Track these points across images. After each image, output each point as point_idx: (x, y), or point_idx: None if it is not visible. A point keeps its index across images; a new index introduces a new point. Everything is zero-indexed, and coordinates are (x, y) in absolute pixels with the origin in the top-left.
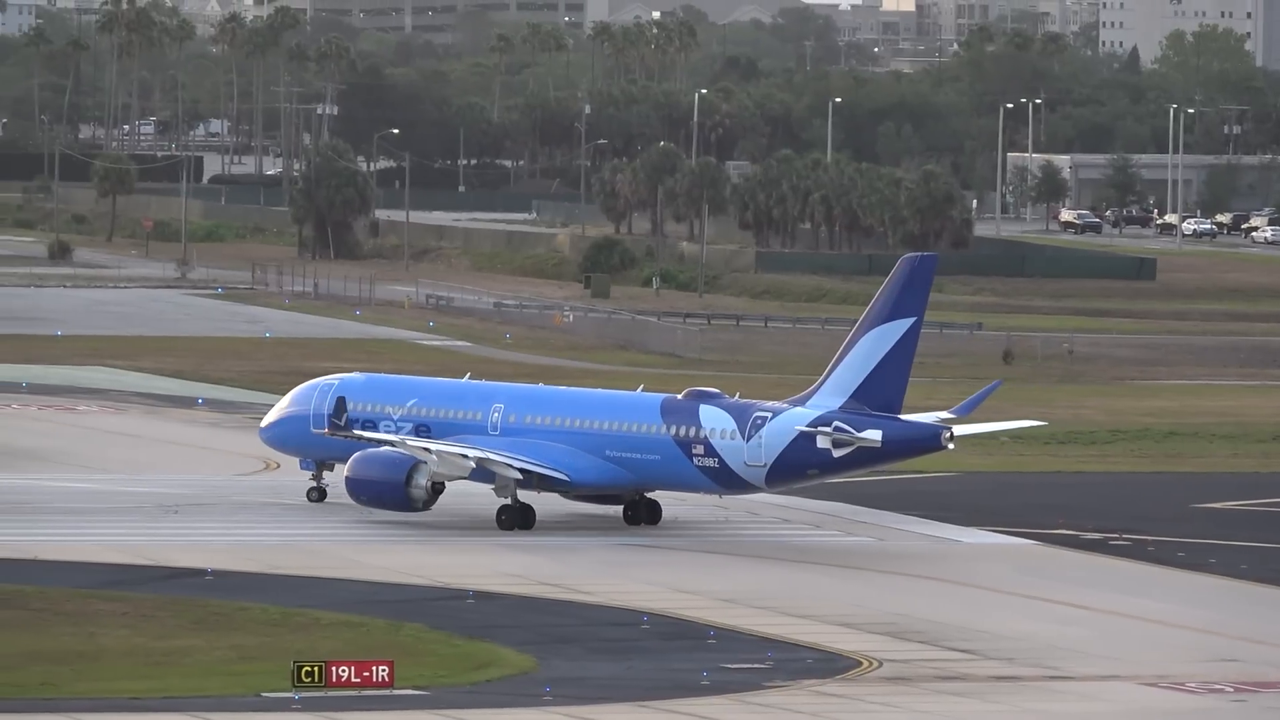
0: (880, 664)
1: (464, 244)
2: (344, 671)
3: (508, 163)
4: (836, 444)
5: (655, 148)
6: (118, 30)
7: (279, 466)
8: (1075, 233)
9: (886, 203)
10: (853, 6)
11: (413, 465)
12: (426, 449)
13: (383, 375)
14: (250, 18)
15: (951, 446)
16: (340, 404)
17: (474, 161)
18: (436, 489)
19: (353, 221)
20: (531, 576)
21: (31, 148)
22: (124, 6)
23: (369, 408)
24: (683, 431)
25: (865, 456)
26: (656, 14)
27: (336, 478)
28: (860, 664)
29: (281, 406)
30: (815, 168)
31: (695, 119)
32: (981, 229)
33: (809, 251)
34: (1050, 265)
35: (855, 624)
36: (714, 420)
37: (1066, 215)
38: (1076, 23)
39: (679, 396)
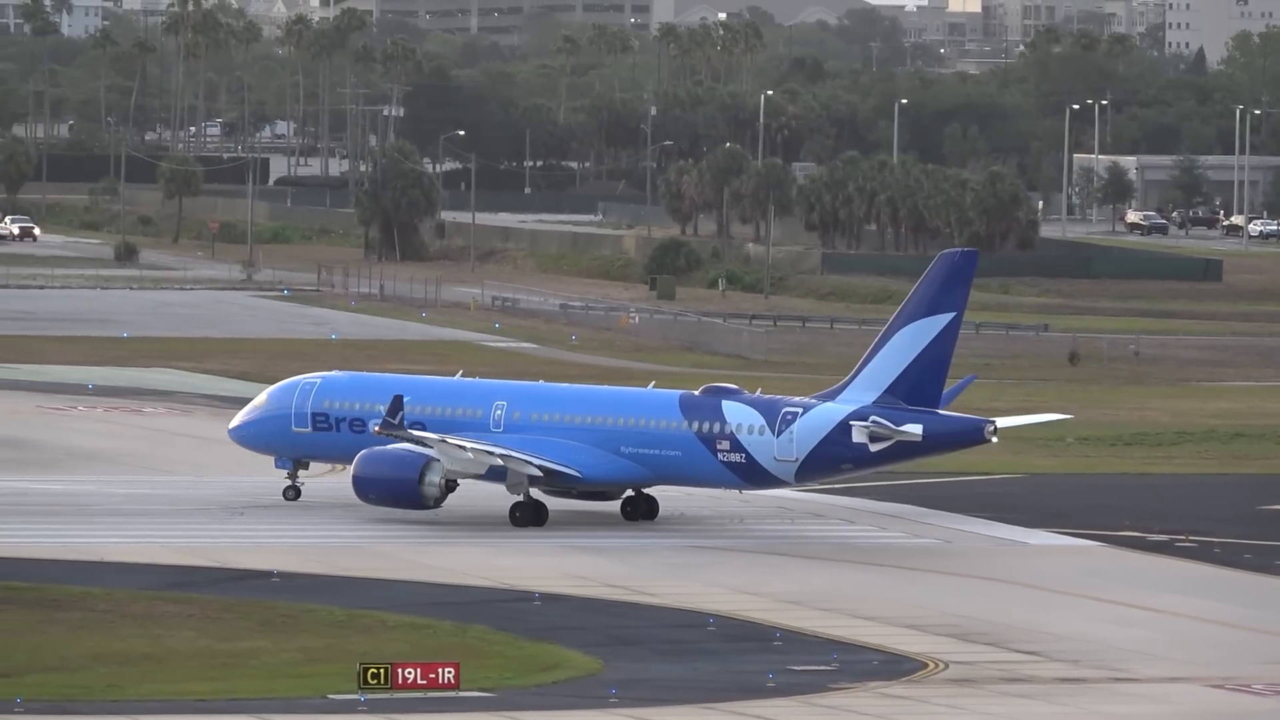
0: (946, 666)
1: (530, 246)
2: (410, 673)
3: (574, 164)
4: (874, 438)
5: (721, 149)
6: (184, 32)
7: (344, 469)
8: (1141, 234)
9: (952, 204)
10: (919, 8)
11: (426, 463)
12: (462, 447)
13: (367, 374)
14: (317, 19)
15: (995, 440)
16: (397, 402)
17: (540, 163)
18: (449, 487)
19: (419, 223)
20: (597, 578)
21: (98, 150)
22: (190, 8)
23: (358, 406)
24: (706, 427)
25: (904, 451)
26: (722, 15)
27: (309, 476)
28: (926, 666)
29: (257, 405)
30: (881, 169)
31: (761, 120)
32: (1047, 230)
33: (875, 253)
34: (1116, 267)
35: (920, 626)
36: (740, 416)
37: (1132, 216)
38: (1143, 24)
39: (696, 393)
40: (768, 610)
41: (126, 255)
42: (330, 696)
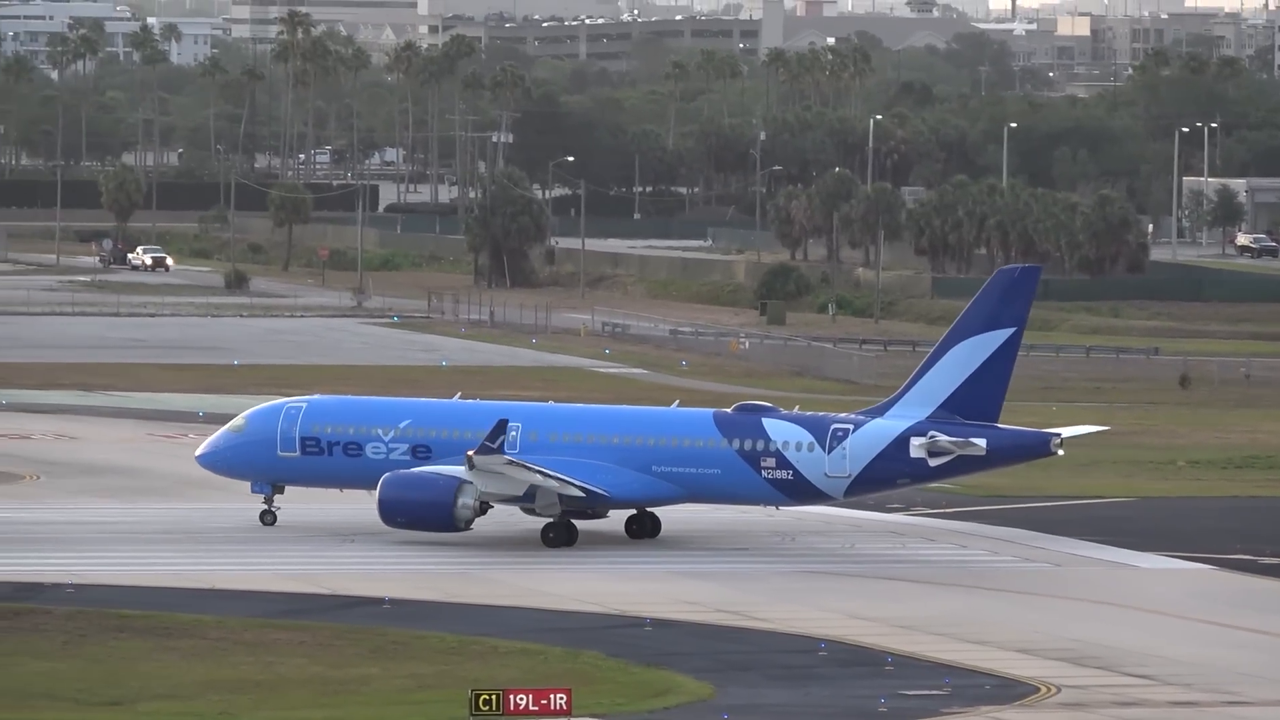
0: (1058, 690)
1: (639, 271)
2: (522, 699)
3: (683, 190)
4: (933, 453)
5: (830, 174)
6: (293, 60)
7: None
8: (1252, 257)
9: (1062, 227)
10: (1027, 32)
11: (458, 485)
12: (545, 472)
13: (355, 397)
14: (425, 46)
15: (1061, 453)
16: (501, 425)
17: (649, 189)
18: (482, 509)
19: (528, 249)
20: (708, 603)
21: (208, 177)
22: (299, 36)
23: (352, 430)
24: (749, 445)
25: (967, 464)
26: (831, 40)
27: (285, 501)
28: (1038, 690)
29: (234, 430)
30: (991, 193)
31: (870, 145)
32: (1157, 253)
33: (984, 277)
34: (1226, 290)
35: (1033, 649)
36: (785, 433)
37: (1243, 239)
38: (1252, 46)
39: (729, 411)
40: (879, 635)
41: (237, 283)
42: None
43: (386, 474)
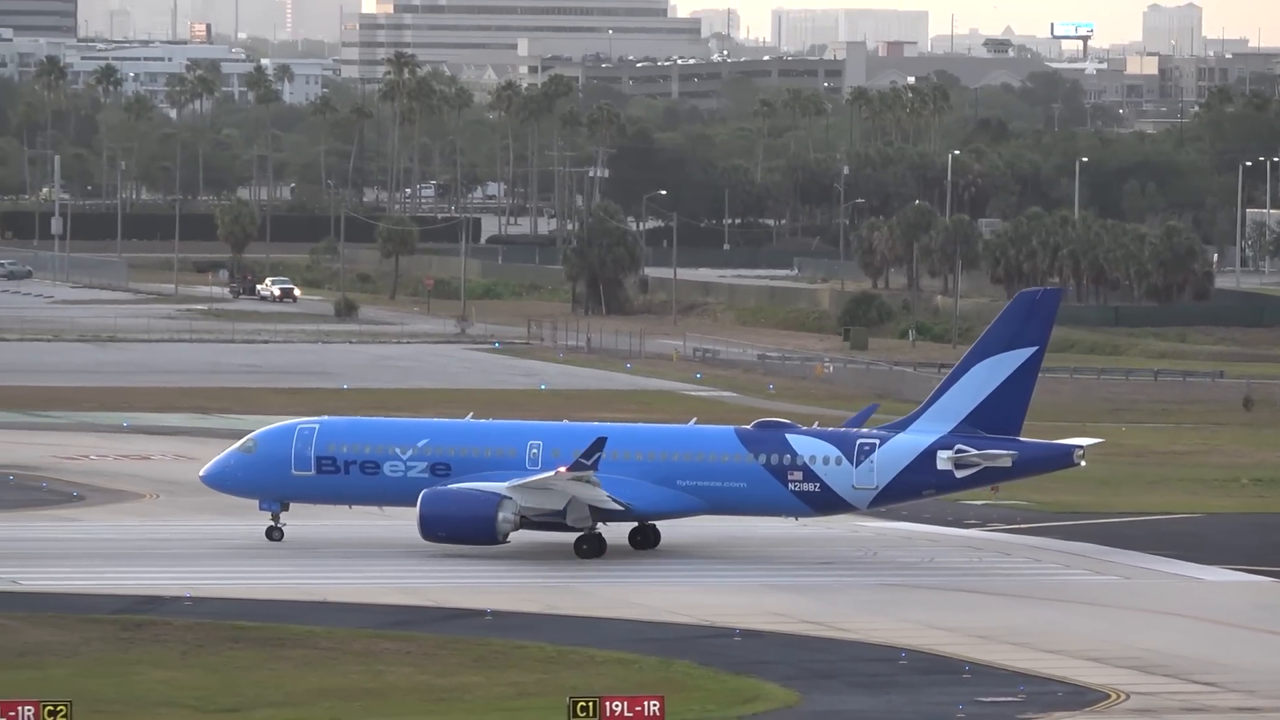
0: (1127, 697)
1: (729, 299)
2: (617, 706)
3: (770, 222)
4: (960, 465)
5: (911, 206)
6: (399, 99)
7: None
8: None
9: (1131, 257)
10: (1098, 71)
11: (499, 500)
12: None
13: (368, 418)
14: (525, 85)
15: (1083, 464)
16: (599, 443)
17: (738, 221)
18: (519, 523)
19: (623, 279)
20: (794, 615)
21: (319, 211)
22: (405, 76)
23: (368, 449)
24: (775, 459)
25: (993, 476)
26: (911, 79)
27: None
28: (1108, 697)
29: (243, 451)
30: (1063, 224)
31: (949, 178)
32: (1222, 282)
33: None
34: None
35: (1103, 658)
36: (812, 448)
37: None
38: None
39: (749, 428)
40: (957, 644)
41: (346, 311)
42: None
43: (425, 490)
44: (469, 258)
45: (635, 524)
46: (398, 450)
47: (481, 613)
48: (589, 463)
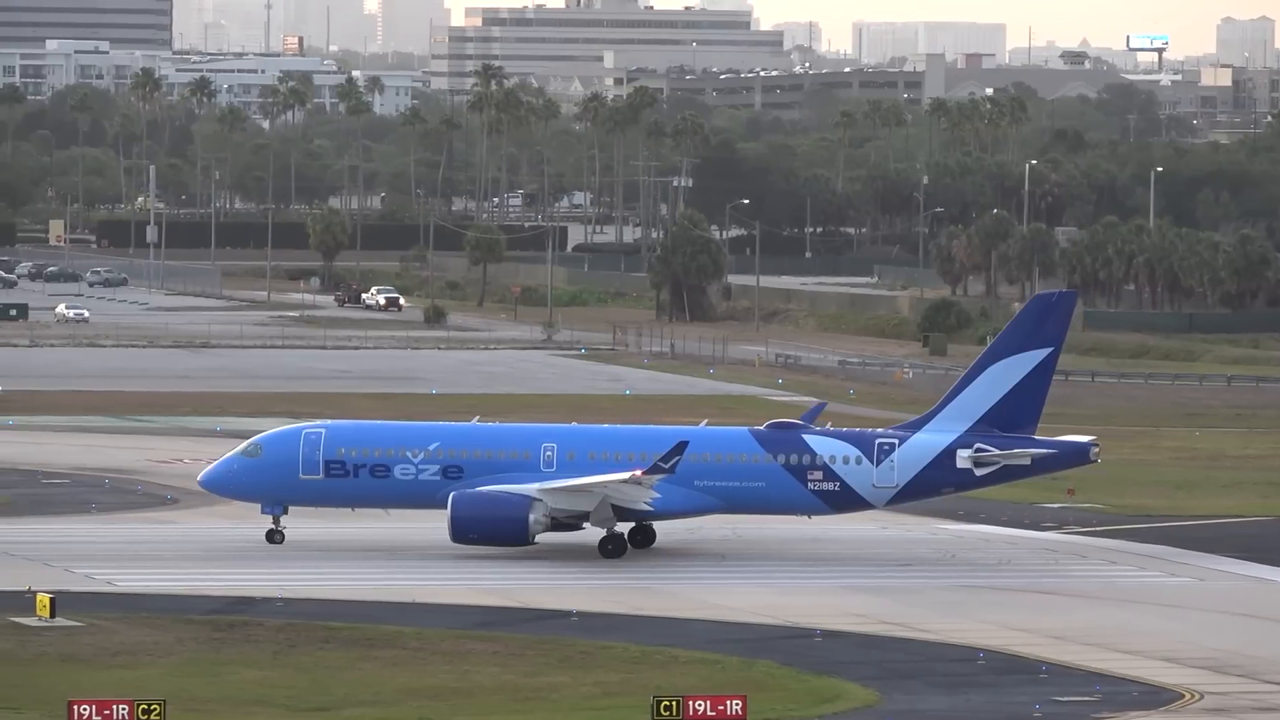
0: (1201, 697)
1: (810, 306)
2: (700, 706)
3: (851, 230)
4: (979, 464)
5: (989, 215)
6: (488, 110)
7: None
8: None
9: (1205, 265)
10: (1173, 82)
11: (529, 503)
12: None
13: (374, 422)
14: (611, 97)
15: (1099, 461)
16: (680, 447)
17: (819, 229)
18: (553, 524)
19: (707, 286)
20: (874, 615)
21: (408, 219)
22: (493, 88)
23: (378, 452)
24: (794, 459)
25: (1012, 473)
26: (989, 90)
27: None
28: (1183, 697)
29: (249, 453)
30: (1139, 233)
31: (1026, 188)
32: None
33: (1133, 311)
34: None
35: (1178, 659)
36: (830, 448)
37: None
38: None
39: (763, 428)
40: (1034, 645)
41: (435, 318)
42: None
43: (454, 493)
44: (555, 265)
45: (633, 524)
46: (409, 453)
47: (567, 613)
48: (667, 466)
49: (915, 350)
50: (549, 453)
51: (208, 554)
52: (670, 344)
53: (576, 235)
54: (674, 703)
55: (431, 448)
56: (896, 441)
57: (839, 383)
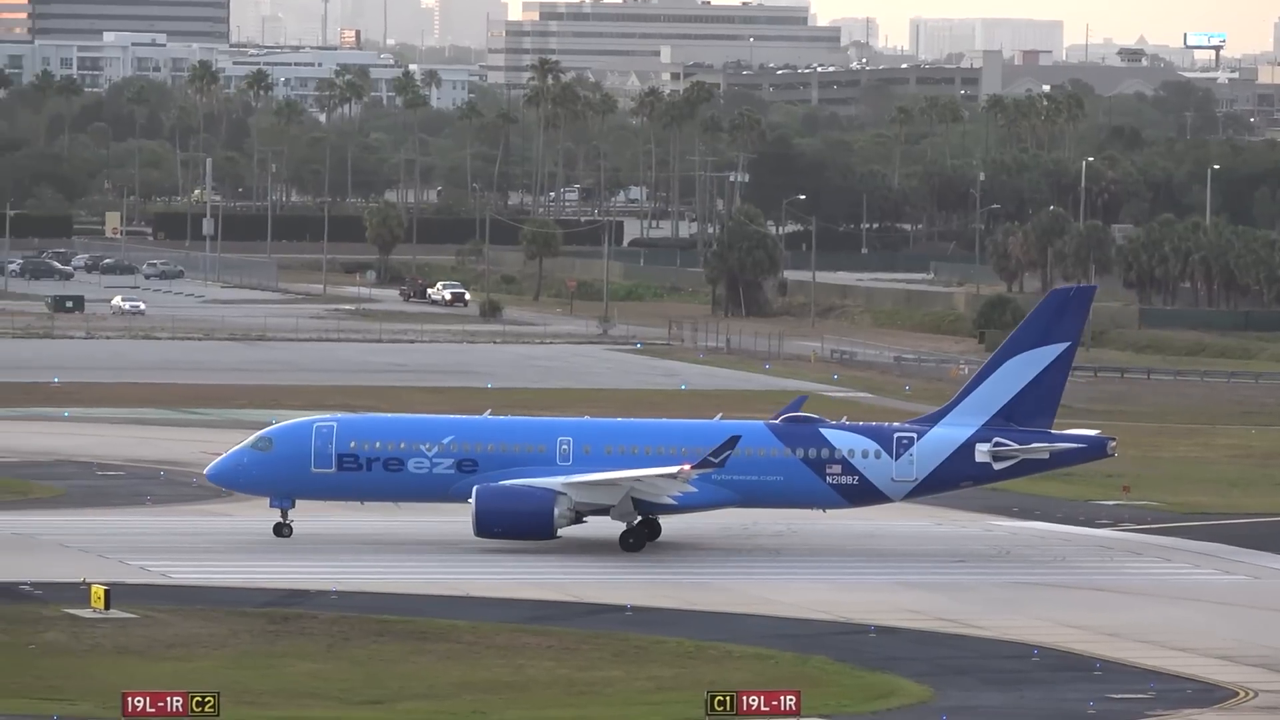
0: (1255, 695)
1: (866, 302)
2: (754, 701)
3: (907, 226)
4: (998, 458)
5: (1045, 212)
6: (544, 104)
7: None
8: None
9: (1262, 263)
10: (1230, 80)
11: (554, 497)
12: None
13: (385, 415)
14: (668, 92)
15: (1115, 455)
16: (731, 441)
17: (875, 225)
18: (577, 518)
19: (763, 281)
20: (928, 612)
21: (464, 213)
22: (550, 82)
23: (391, 446)
24: (814, 453)
25: (1030, 467)
26: (1046, 87)
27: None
28: (1236, 694)
29: (259, 447)
30: (1195, 230)
31: (1082, 185)
32: None
33: (1189, 308)
34: None
35: (1232, 657)
36: (849, 442)
37: None
38: None
39: (777, 422)
40: (1088, 642)
41: (491, 312)
42: None
43: (478, 487)
44: (611, 260)
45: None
46: (422, 447)
47: (621, 608)
48: (717, 460)
49: (971, 346)
50: (565, 446)
51: (262, 547)
52: (726, 339)
53: (632, 230)
54: (728, 698)
55: (445, 441)
56: (915, 435)
57: (894, 379)
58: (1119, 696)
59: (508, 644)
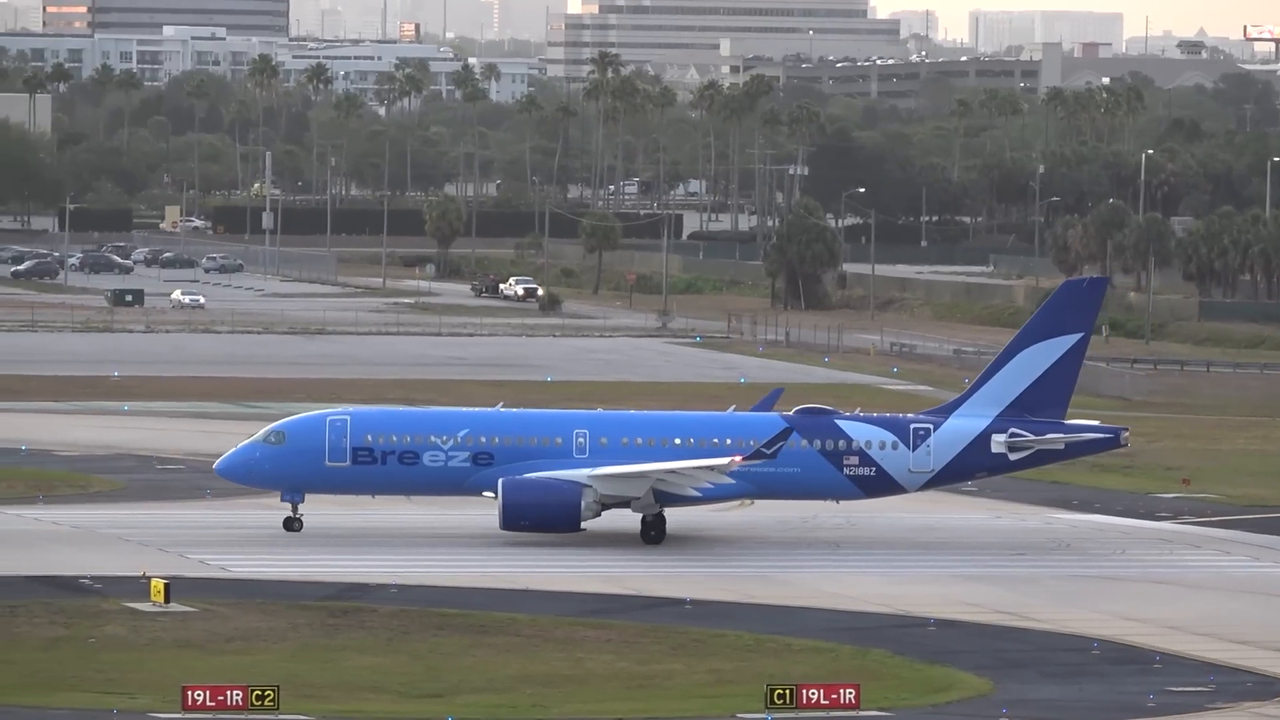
0: None
1: (925, 295)
2: (813, 694)
3: (966, 219)
4: (1014, 448)
5: (1105, 205)
6: (604, 98)
7: (752, 503)
8: None
9: None
10: None
11: (580, 489)
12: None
13: (398, 409)
14: (727, 85)
15: (1128, 445)
16: (785, 433)
17: (935, 218)
18: (603, 509)
19: (822, 274)
20: (987, 605)
21: (524, 207)
22: (609, 75)
23: (408, 439)
24: (831, 444)
25: (1044, 458)
26: (1106, 80)
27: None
28: None
29: (268, 443)
30: (1255, 223)
31: (1142, 178)
32: None
33: (1249, 301)
34: None
35: None
36: (866, 433)
37: None
38: None
39: (792, 414)
40: (1148, 635)
41: (550, 305)
42: (739, 715)
43: (504, 479)
44: (670, 253)
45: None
46: (438, 440)
47: (681, 601)
48: (770, 451)
49: None
50: (581, 438)
51: (321, 540)
52: (785, 332)
53: (692, 223)
54: (787, 691)
55: (461, 434)
56: (931, 426)
57: (954, 371)
58: (1179, 689)
59: (567, 637)
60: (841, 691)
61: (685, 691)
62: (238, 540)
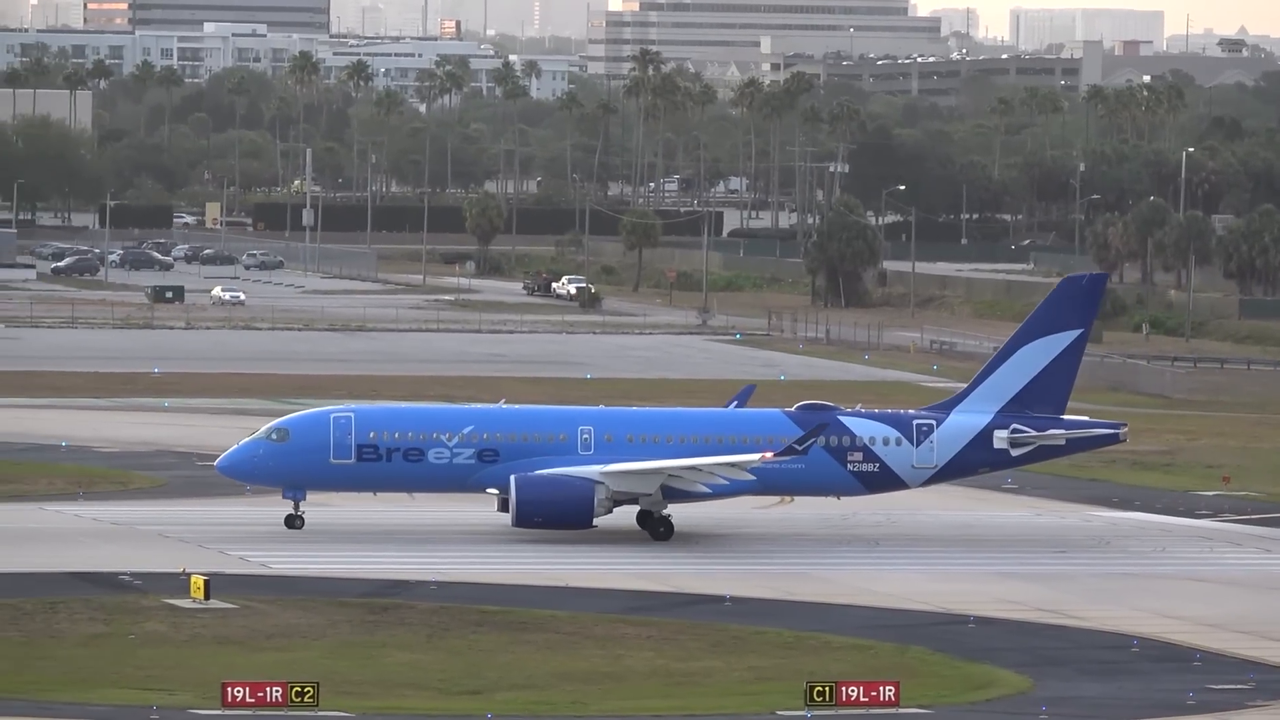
0: None
1: (966, 293)
2: (853, 691)
3: (1007, 217)
4: (1015, 444)
5: (1145, 202)
6: (644, 95)
7: (792, 501)
8: None
9: None
10: None
11: (593, 486)
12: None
13: (401, 406)
14: (768, 82)
15: (1125, 440)
16: (818, 430)
17: (975, 216)
18: (615, 505)
19: (862, 272)
20: (1027, 602)
21: (564, 204)
22: (650, 73)
23: (412, 436)
24: (835, 441)
25: (1046, 453)
26: (1147, 78)
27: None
28: None
29: (275, 438)
30: None
31: (1183, 175)
32: None
33: None
34: None
35: None
36: (869, 429)
37: None
38: None
39: (795, 410)
40: (1188, 633)
41: (590, 302)
42: (779, 713)
43: (516, 476)
44: (711, 251)
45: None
46: (443, 437)
47: (720, 598)
48: (802, 448)
49: None
50: (586, 435)
51: (361, 537)
52: (825, 329)
53: (732, 220)
54: (827, 688)
55: (466, 431)
56: (934, 422)
57: None
58: (1219, 687)
59: (606, 634)
60: (881, 689)
61: (724, 689)
62: (278, 537)
